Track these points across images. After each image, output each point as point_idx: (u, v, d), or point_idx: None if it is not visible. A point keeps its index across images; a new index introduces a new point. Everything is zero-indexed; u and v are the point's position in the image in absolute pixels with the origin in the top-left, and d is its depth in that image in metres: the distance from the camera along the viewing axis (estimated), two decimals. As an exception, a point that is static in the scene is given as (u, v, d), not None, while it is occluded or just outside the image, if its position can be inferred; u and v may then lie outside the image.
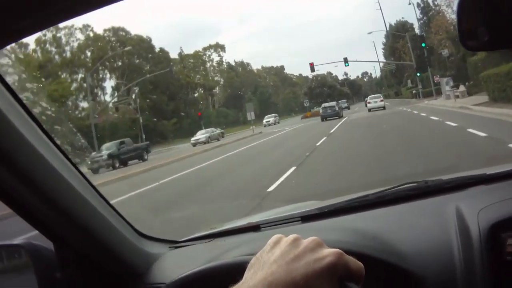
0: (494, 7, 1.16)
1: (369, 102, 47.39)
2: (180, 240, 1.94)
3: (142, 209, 10.40)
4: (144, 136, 49.34)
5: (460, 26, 1.20)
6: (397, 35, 66.42)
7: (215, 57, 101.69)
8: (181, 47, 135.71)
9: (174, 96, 79.14)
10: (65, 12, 1.03)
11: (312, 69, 59.12)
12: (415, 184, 1.73)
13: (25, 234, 2.07)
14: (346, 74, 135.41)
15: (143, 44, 77.71)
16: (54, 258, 1.51)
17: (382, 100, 46.29)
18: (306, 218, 1.76)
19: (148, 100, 69.50)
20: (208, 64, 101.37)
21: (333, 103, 51.94)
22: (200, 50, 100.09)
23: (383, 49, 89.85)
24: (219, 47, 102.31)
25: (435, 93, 41.21)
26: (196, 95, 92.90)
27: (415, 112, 26.76)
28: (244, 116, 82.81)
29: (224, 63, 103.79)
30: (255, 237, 1.72)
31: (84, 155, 18.45)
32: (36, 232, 1.45)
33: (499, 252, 1.18)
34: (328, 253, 0.78)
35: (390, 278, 1.28)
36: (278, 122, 69.18)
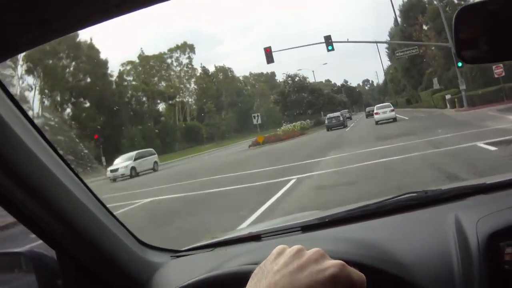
0: (494, 19, 1.17)
1: (376, 113, 39.32)
2: (182, 249, 1.94)
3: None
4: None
5: (457, 37, 1.20)
6: (411, 15, 51.83)
7: (183, 59, 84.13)
8: (141, 48, 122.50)
9: (106, 108, 58.56)
10: (66, 27, 1.05)
11: (269, 58, 35.80)
12: (414, 194, 1.73)
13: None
14: (346, 81, 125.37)
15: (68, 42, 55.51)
16: (56, 266, 1.53)
17: (392, 110, 38.10)
18: (307, 228, 1.77)
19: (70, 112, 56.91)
20: (178, 69, 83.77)
21: (338, 114, 51.05)
22: (166, 51, 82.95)
23: (387, 48, 78.66)
24: (187, 47, 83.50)
25: (497, 97, 29.17)
26: (161, 106, 78.27)
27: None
28: (221, 131, 75.51)
29: (197, 68, 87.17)
30: (256, 247, 1.73)
31: (87, 165, 17.26)
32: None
33: (498, 261, 1.19)
34: (330, 264, 0.79)
35: (390, 287, 1.28)
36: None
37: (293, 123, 56.51)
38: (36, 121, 1.32)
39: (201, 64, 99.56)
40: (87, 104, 60.27)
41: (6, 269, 1.71)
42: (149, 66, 78.98)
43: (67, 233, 1.43)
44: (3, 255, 1.72)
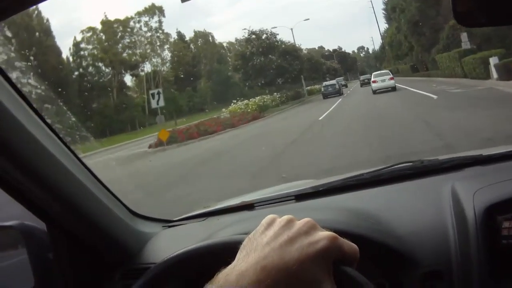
0: None
1: (374, 81, 35.03)
2: (174, 219, 1.95)
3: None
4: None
5: (455, 7, 1.16)
6: None
7: (153, 24, 71.15)
8: (104, 12, 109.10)
9: (53, 85, 46.19)
10: None
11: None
12: (410, 163, 1.73)
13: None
14: (340, 48, 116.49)
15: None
16: (46, 238, 1.53)
17: (392, 78, 34.33)
18: (301, 196, 1.77)
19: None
20: (149, 34, 70.77)
21: (334, 81, 51.02)
22: (133, 15, 69.97)
23: (384, 10, 69.95)
24: (156, 10, 70.22)
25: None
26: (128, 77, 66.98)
27: None
28: (199, 101, 66.80)
29: (172, 33, 75.52)
30: (249, 216, 1.73)
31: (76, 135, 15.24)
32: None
33: (495, 234, 1.19)
34: (322, 236, 0.78)
35: (384, 258, 1.28)
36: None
37: (251, 100, 41.97)
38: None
39: (177, 29, 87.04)
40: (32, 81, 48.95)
41: None
42: (112, 32, 67.06)
43: (56, 205, 1.42)
44: None
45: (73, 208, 1.45)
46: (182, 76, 66.95)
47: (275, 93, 50.71)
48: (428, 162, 1.71)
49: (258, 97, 43.85)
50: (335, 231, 0.80)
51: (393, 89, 32.67)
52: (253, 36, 57.26)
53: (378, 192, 1.63)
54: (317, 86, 71.21)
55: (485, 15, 1.13)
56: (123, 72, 66.51)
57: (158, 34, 70.75)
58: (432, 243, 1.27)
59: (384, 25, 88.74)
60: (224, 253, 0.83)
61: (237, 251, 0.81)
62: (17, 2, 1.03)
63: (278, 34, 59.76)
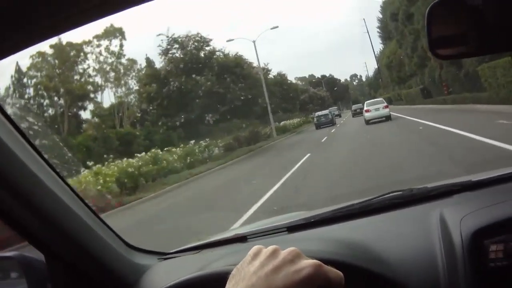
0: (468, 15, 1.19)
1: (367, 110, 32.99)
2: (169, 252, 1.97)
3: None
4: None
5: (430, 34, 1.22)
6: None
7: (113, 47, 53.33)
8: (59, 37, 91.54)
9: None
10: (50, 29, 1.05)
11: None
12: (400, 192, 1.74)
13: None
14: (330, 75, 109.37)
15: None
16: (45, 269, 1.56)
17: (386, 107, 32.00)
18: (292, 228, 1.78)
19: None
20: (110, 60, 53.50)
21: (326, 111, 51.68)
22: (91, 38, 52.36)
23: (378, 28, 67.82)
24: (116, 32, 52.56)
25: None
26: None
27: None
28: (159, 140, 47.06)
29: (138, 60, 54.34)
30: (241, 248, 1.75)
31: (72, 169, 16.57)
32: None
33: (482, 259, 1.20)
34: (306, 264, 0.80)
35: (372, 285, 1.30)
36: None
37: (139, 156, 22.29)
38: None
39: (146, 55, 70.24)
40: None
41: None
42: (65, 56, 51.99)
43: (55, 237, 1.45)
44: None
45: (71, 241, 1.47)
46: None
47: (206, 139, 30.73)
48: (417, 190, 1.71)
49: (151, 152, 23.16)
50: (323, 260, 0.82)
51: (388, 118, 30.89)
52: (176, 46, 36.23)
53: (368, 222, 1.63)
54: (293, 121, 61.63)
55: (467, 43, 1.16)
56: (78, 103, 53.19)
57: (121, 60, 55.89)
58: (421, 269, 1.27)
59: (379, 47, 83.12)
60: (215, 283, 0.88)
61: (226, 281, 0.84)
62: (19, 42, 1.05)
63: (212, 39, 36.90)
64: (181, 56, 35.59)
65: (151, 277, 1.74)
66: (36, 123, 19.18)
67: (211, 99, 33.83)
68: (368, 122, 31.68)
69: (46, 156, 1.42)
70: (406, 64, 48.56)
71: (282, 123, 54.91)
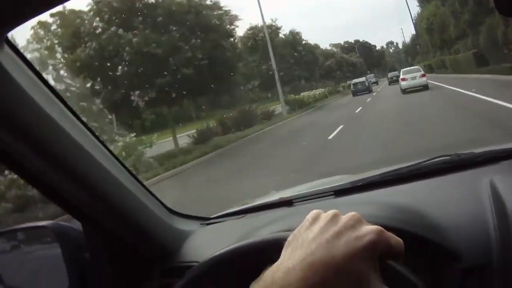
0: None
1: (403, 79, 31.20)
2: (211, 216, 1.95)
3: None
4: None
5: None
6: None
7: None
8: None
9: None
10: None
11: None
12: (448, 157, 1.72)
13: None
14: (365, 41, 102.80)
15: None
16: (82, 238, 1.53)
17: (423, 75, 30.35)
18: (339, 192, 1.76)
19: None
20: None
21: (363, 79, 49.92)
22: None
23: None
24: None
25: None
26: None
27: None
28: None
29: None
30: (288, 213, 1.72)
31: (112, 132, 16.45)
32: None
33: None
34: (368, 230, 0.77)
35: (426, 252, 1.27)
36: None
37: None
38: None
39: None
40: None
41: (32, 243, 1.71)
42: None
43: (93, 203, 1.42)
44: (28, 229, 1.71)
45: (110, 207, 1.44)
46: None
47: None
48: (465, 155, 1.69)
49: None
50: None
51: (425, 87, 29.22)
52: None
53: (417, 186, 1.61)
54: (314, 92, 49.52)
55: None
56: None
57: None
58: (474, 238, 1.24)
59: (416, 10, 77.70)
60: (269, 251, 0.82)
61: (282, 249, 0.80)
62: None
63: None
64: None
65: (194, 243, 1.71)
66: (73, 84, 18.98)
67: (143, 65, 20.62)
68: (404, 91, 30.24)
69: (84, 118, 1.36)
70: (451, 24, 39.97)
71: (301, 94, 44.48)
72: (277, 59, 35.02)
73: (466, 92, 19.63)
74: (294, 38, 46.17)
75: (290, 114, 35.40)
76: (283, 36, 43.78)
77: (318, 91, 51.98)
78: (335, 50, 77.19)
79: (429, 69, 49.37)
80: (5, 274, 1.68)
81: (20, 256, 1.76)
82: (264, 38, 35.39)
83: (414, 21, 68.62)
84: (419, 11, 62.61)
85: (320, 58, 50.10)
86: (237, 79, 27.60)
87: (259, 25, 38.52)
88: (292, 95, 41.51)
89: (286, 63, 40.99)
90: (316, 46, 48.92)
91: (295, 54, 44.24)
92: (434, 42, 52.30)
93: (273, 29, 40.40)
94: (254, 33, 42.11)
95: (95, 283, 1.54)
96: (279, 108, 36.99)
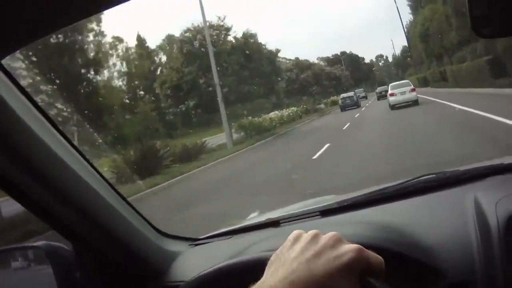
0: None
1: (391, 94, 29.44)
2: (200, 237, 1.96)
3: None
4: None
5: (472, 12, 1.17)
6: None
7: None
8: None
9: None
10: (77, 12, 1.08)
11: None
12: (433, 175, 1.74)
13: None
14: (352, 53, 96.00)
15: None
16: (72, 258, 1.55)
17: (413, 90, 28.46)
18: (326, 212, 1.78)
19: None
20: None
21: (351, 93, 47.13)
22: None
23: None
24: None
25: None
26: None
27: None
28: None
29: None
30: (275, 233, 1.75)
31: (101, 154, 15.83)
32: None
33: None
34: (348, 249, 0.80)
35: (409, 270, 1.30)
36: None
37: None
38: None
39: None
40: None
41: (23, 263, 1.71)
42: None
43: (83, 224, 1.44)
44: (20, 249, 1.73)
45: (100, 227, 1.46)
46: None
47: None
48: (450, 173, 1.71)
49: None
50: (360, 245, 0.81)
51: (415, 103, 27.43)
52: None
53: (402, 205, 1.63)
54: (277, 113, 38.59)
55: (503, 21, 1.16)
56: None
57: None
58: (457, 254, 1.27)
59: (408, 18, 76.32)
60: (253, 270, 0.85)
61: (265, 268, 0.83)
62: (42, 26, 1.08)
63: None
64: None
65: (182, 263, 1.73)
66: (64, 109, 20.14)
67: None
68: (393, 107, 28.93)
69: (73, 140, 1.39)
70: (454, 27, 33.66)
71: (262, 117, 33.25)
72: (223, 69, 26.83)
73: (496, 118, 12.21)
74: (247, 41, 32.99)
75: (239, 146, 26.07)
76: (232, 40, 32.71)
77: (289, 111, 42.05)
78: (317, 62, 68.89)
79: (424, 83, 45.42)
80: None
81: (13, 275, 1.76)
82: (204, 42, 26.56)
83: (405, 30, 63.21)
84: (411, 19, 59.55)
85: (281, 68, 38.48)
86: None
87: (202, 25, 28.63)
88: (249, 118, 30.89)
89: (235, 76, 30.09)
90: (277, 52, 36.94)
91: (248, 63, 31.99)
92: (429, 51, 45.88)
93: (220, 30, 31.00)
94: (193, 35, 31.26)
95: None
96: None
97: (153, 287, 1.65)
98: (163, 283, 1.65)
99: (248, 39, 32.99)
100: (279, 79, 38.15)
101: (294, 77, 50.72)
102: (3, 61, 1.15)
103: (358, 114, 32.96)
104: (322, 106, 58.67)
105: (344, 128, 23.02)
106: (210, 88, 27.05)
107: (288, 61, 53.62)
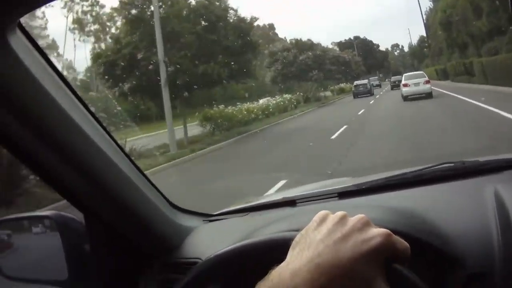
0: None
1: (405, 85, 29.11)
2: (214, 213, 1.94)
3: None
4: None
5: None
6: None
7: None
8: None
9: None
10: None
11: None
12: (452, 164, 1.72)
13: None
14: (364, 37, 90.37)
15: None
16: (83, 229, 1.53)
17: (427, 82, 28.13)
18: (343, 194, 1.76)
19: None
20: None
21: (365, 81, 46.65)
22: None
23: None
24: None
25: None
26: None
27: None
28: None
29: None
30: (292, 213, 1.72)
31: (119, 123, 14.98)
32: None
33: None
34: (376, 233, 0.78)
35: (429, 258, 1.28)
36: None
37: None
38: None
39: None
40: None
41: (34, 232, 1.69)
42: None
43: (96, 195, 1.41)
44: (29, 218, 1.72)
45: (112, 198, 1.44)
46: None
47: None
48: (470, 163, 1.69)
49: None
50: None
51: (428, 95, 27.06)
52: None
53: (421, 192, 1.61)
54: (260, 102, 33.10)
55: None
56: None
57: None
58: (476, 245, 1.25)
59: (427, 5, 71.92)
60: (275, 250, 0.82)
61: (288, 249, 0.80)
62: None
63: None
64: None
65: (196, 240, 1.71)
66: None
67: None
68: (406, 98, 28.23)
69: (92, 108, 1.35)
70: (484, 12, 29.56)
71: (238, 107, 27.65)
72: (173, 42, 20.34)
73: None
74: (211, 3, 23.29)
75: (191, 147, 19.46)
76: (193, 1, 23.67)
77: (277, 100, 35.82)
78: (331, 47, 63.40)
79: (443, 76, 42.33)
80: (6, 261, 1.69)
81: (22, 244, 1.75)
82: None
83: (424, 17, 62.60)
84: (431, 6, 57.60)
85: (258, 43, 26.39)
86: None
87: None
88: (221, 107, 25.13)
89: (187, 50, 21.41)
90: (253, 21, 25.70)
91: (209, 34, 22.24)
92: (451, 41, 41.11)
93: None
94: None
95: (94, 274, 1.53)
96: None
97: (164, 263, 1.61)
98: (175, 259, 1.62)
99: (213, 1, 23.64)
100: (256, 58, 29.69)
101: (291, 59, 44.24)
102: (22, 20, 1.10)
103: (372, 101, 33.84)
104: (329, 93, 54.36)
105: (333, 138, 16.80)
106: (151, 67, 20.21)
107: (285, 40, 47.19)
